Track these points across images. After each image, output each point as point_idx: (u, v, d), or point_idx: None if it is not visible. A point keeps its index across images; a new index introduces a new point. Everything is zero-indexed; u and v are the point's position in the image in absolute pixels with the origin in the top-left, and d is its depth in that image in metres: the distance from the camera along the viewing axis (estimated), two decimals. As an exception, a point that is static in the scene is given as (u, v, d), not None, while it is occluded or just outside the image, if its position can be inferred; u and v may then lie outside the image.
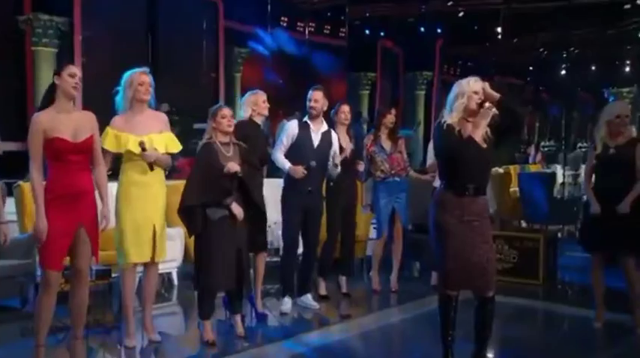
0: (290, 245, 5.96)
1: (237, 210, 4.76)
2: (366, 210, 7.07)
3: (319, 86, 6.17)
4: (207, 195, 4.69)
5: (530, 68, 23.90)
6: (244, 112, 5.62)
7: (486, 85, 4.07)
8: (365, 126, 11.60)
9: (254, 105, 5.62)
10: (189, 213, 4.71)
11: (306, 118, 6.06)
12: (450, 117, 4.07)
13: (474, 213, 4.06)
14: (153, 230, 4.71)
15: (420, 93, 17.58)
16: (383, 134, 6.69)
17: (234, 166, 4.73)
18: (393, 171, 6.63)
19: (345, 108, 6.47)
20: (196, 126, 10.92)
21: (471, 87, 4.05)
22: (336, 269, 6.68)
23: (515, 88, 25.08)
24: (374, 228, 7.27)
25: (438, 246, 4.09)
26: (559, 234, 9.32)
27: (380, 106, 9.16)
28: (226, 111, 4.90)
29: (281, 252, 6.28)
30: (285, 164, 5.83)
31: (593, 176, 5.49)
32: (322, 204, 6.08)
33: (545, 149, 21.30)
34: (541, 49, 19.52)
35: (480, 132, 4.02)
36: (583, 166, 14.44)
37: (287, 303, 5.97)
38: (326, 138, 6.04)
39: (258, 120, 5.65)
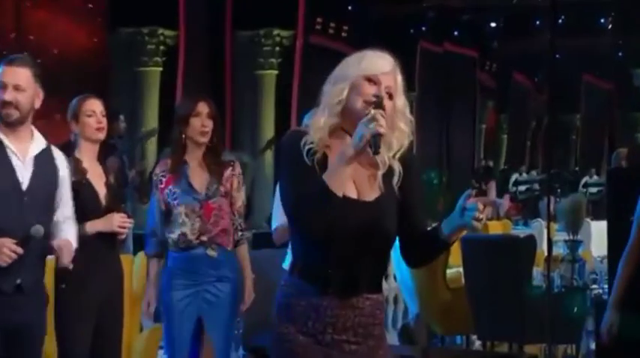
0: None
1: None
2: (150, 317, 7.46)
3: (20, 57, 6.21)
4: None
5: (493, 25, 24.84)
6: None
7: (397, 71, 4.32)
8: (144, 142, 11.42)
9: None
10: None
11: None
12: (315, 122, 4.26)
13: (349, 328, 4.23)
14: None
15: (266, 73, 18.13)
16: (192, 158, 7.02)
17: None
18: (206, 237, 6.88)
19: (93, 105, 6.67)
20: None
21: (364, 67, 4.24)
22: None
23: (463, 66, 25.88)
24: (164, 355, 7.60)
25: None
26: (544, 365, 9.82)
27: (184, 98, 9.31)
28: None
29: None
30: None
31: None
32: (43, 315, 6.19)
33: (521, 189, 21.97)
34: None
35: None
36: (591, 223, 15.05)
37: None
38: (44, 165, 6.10)
39: None
